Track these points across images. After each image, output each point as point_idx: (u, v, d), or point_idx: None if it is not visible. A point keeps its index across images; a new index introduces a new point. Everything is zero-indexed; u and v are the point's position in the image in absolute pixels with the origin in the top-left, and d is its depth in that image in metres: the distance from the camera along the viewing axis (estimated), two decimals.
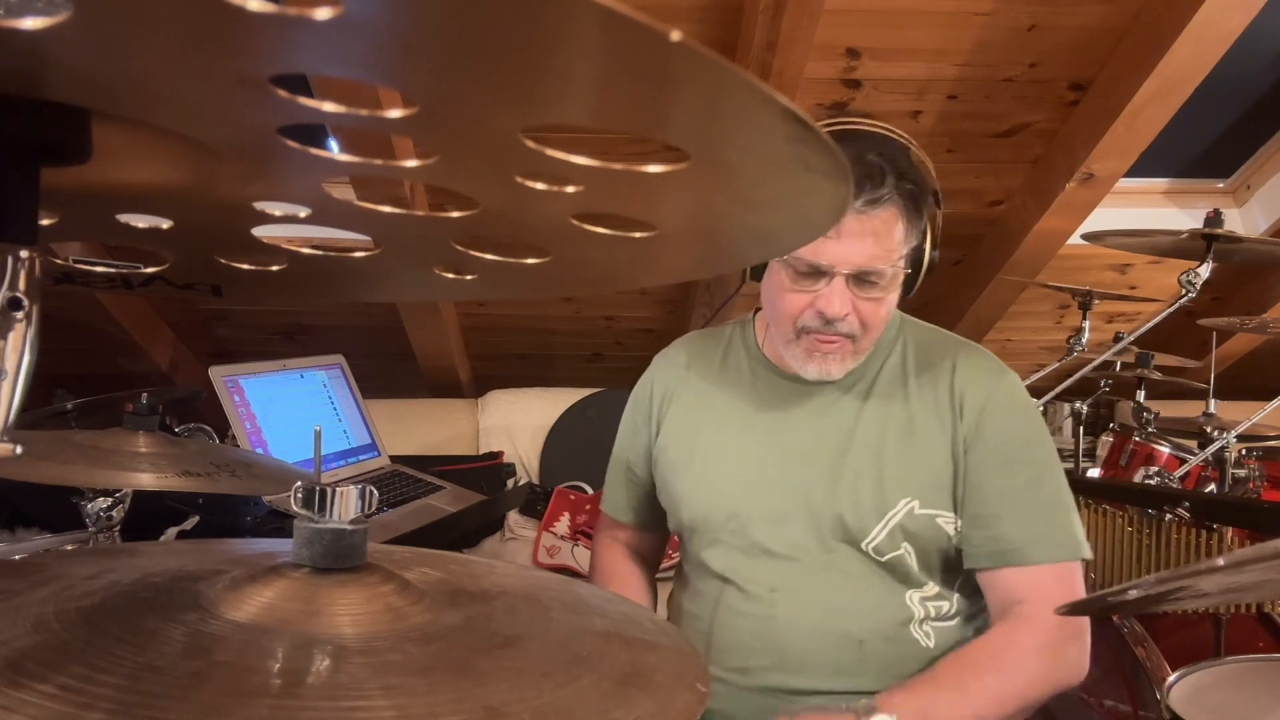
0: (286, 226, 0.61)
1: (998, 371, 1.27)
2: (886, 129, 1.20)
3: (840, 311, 1.17)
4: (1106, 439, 2.35)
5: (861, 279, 1.17)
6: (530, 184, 0.47)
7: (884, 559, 1.22)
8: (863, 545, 1.22)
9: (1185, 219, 2.88)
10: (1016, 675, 1.17)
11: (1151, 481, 1.96)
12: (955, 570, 1.25)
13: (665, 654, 0.63)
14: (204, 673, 0.50)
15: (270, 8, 0.31)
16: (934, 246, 1.24)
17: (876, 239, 1.15)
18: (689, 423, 1.35)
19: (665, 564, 1.58)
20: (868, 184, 1.12)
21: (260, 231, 0.63)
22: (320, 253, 0.66)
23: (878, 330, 1.23)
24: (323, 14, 0.31)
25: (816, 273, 1.17)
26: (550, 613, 0.66)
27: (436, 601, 0.62)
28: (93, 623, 0.54)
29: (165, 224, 0.62)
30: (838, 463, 1.25)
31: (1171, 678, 1.18)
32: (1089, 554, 1.22)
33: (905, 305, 1.36)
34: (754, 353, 1.36)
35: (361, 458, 2.50)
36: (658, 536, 1.48)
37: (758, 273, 1.28)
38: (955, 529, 1.22)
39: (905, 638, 1.23)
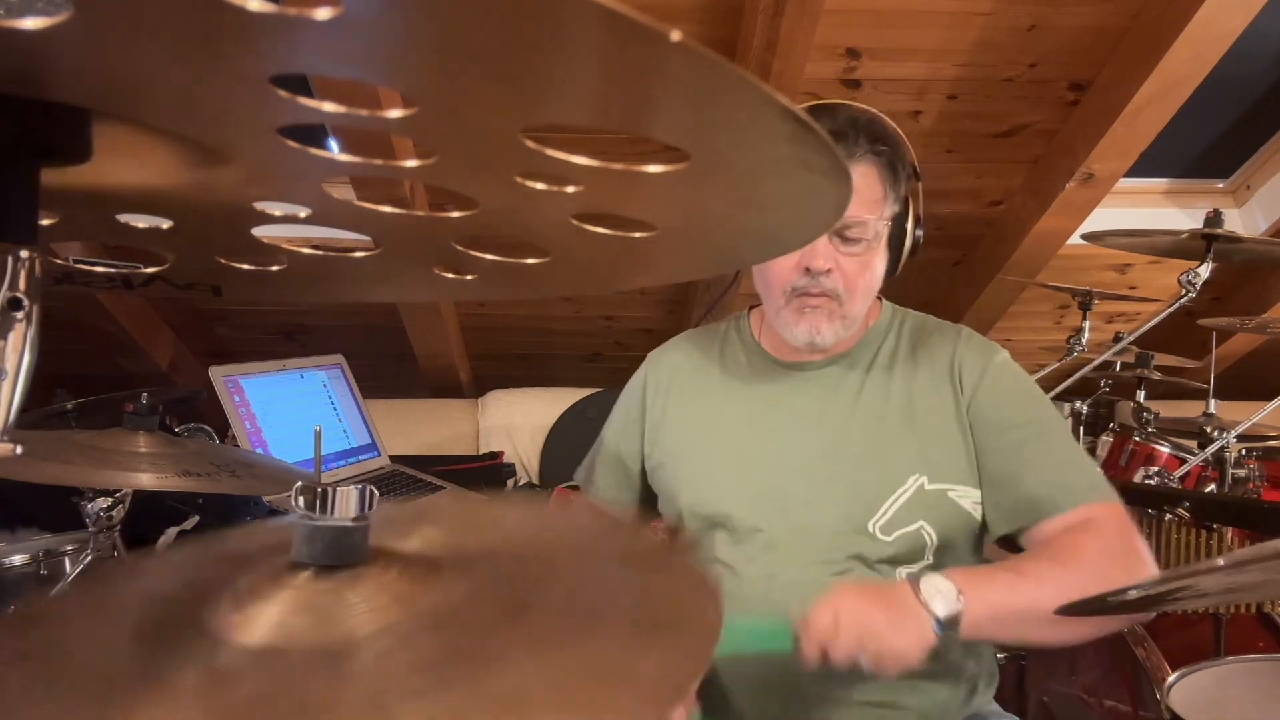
0: (286, 226, 0.61)
1: (991, 347, 1.31)
2: (863, 108, 1.25)
3: (823, 264, 1.21)
4: (1106, 439, 2.34)
5: (844, 234, 1.21)
6: (530, 184, 0.47)
7: (889, 538, 1.21)
8: (868, 526, 1.22)
9: (1185, 219, 2.88)
10: (1082, 566, 1.13)
11: (1151, 481, 1.96)
12: (961, 548, 1.26)
13: (672, 578, 0.63)
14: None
15: (270, 8, 0.31)
16: (916, 224, 1.28)
17: (855, 192, 1.18)
18: (687, 414, 1.36)
19: None
20: (841, 143, 1.18)
21: (260, 231, 0.63)
22: (320, 253, 0.66)
23: (862, 296, 1.25)
24: (323, 14, 0.31)
25: None
26: (556, 557, 0.65)
27: (441, 577, 0.61)
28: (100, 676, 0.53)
29: (165, 224, 0.62)
30: (839, 446, 1.26)
31: (1171, 678, 1.18)
32: (1118, 499, 1.20)
33: (905, 304, 1.37)
34: (750, 345, 1.38)
35: (361, 458, 2.50)
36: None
37: None
38: (972, 502, 1.23)
39: None
